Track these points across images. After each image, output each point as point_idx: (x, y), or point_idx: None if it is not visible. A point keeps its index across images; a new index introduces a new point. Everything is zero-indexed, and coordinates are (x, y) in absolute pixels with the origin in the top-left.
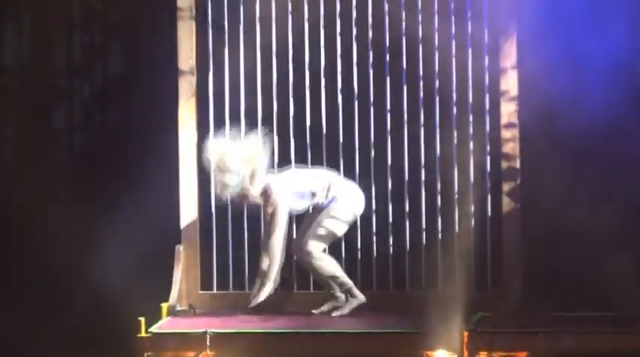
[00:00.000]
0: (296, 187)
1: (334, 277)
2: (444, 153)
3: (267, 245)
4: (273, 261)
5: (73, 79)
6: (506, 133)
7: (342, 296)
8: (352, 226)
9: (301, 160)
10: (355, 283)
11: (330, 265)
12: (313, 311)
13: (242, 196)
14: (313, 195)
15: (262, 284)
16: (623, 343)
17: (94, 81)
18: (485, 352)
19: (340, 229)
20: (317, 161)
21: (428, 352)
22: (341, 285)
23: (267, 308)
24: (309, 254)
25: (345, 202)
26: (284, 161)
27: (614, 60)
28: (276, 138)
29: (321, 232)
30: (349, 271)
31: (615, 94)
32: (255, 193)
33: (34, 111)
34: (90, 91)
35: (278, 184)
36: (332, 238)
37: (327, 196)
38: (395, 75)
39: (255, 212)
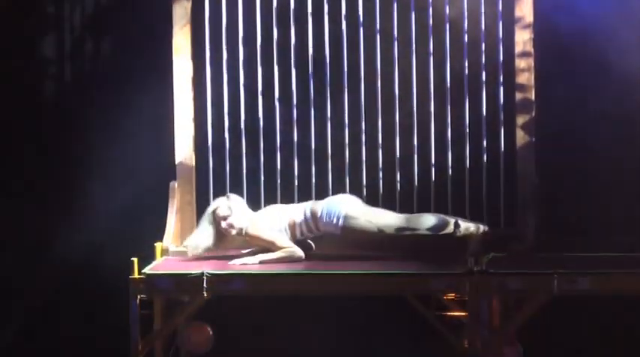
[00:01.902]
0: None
1: (436, 227)
2: (454, 84)
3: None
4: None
5: (61, 5)
6: (520, 63)
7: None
8: (357, 162)
9: (303, 90)
10: None
11: (422, 223)
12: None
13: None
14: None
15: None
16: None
17: (84, 7)
18: (498, 295)
19: (370, 214)
20: (319, 92)
21: (437, 294)
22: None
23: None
24: (393, 235)
25: (341, 207)
26: (285, 92)
27: None
28: (276, 67)
29: (372, 225)
30: None
31: (635, 18)
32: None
33: (21, 38)
34: (79, 18)
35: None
36: (380, 219)
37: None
38: (402, 1)
39: (253, 147)
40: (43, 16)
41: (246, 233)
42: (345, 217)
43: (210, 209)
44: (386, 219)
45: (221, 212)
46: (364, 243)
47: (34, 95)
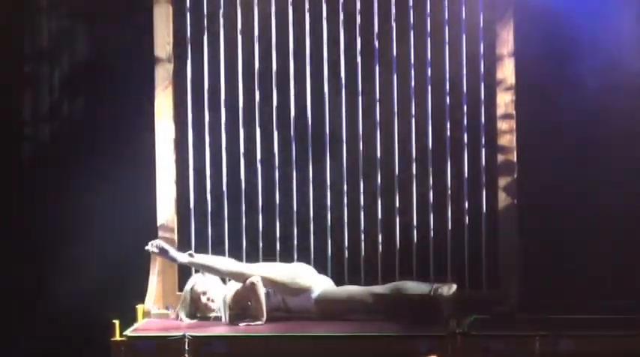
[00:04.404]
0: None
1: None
2: (436, 146)
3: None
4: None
5: (40, 66)
6: (502, 125)
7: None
8: (339, 225)
9: (285, 153)
10: (343, 284)
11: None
12: None
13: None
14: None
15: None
16: (623, 346)
17: (62, 69)
18: None
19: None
20: (301, 154)
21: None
22: None
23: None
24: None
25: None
26: (267, 155)
27: (616, 46)
28: (258, 130)
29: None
30: (336, 271)
31: (616, 81)
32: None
33: None
34: (57, 79)
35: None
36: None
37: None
38: (385, 63)
39: (235, 209)
40: (23, 75)
41: (225, 301)
42: (320, 293)
43: (187, 287)
44: (361, 289)
45: (199, 288)
46: (341, 311)
47: (11, 156)
